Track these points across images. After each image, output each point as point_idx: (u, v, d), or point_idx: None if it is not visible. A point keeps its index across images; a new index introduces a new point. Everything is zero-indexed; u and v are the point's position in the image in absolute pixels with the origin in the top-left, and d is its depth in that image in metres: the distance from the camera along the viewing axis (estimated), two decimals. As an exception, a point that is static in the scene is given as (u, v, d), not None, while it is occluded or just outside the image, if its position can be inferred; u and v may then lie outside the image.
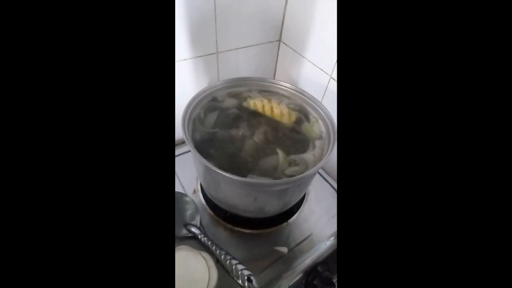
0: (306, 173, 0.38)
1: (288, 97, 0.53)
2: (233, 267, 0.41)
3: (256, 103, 0.51)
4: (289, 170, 0.42)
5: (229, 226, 0.49)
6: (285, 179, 0.38)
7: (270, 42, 0.65)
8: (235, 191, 0.43)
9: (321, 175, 0.61)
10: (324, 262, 0.48)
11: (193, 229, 0.47)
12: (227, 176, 0.36)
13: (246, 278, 0.40)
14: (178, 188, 0.55)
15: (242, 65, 0.65)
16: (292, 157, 0.44)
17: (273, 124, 0.49)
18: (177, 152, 0.62)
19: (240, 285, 0.40)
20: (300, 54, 0.61)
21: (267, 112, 0.50)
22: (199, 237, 0.46)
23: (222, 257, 0.42)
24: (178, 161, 0.60)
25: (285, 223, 0.51)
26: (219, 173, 0.36)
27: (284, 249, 0.47)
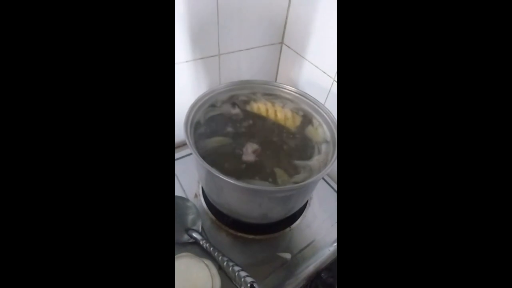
0: (312, 179, 0.37)
1: (291, 100, 0.52)
2: (236, 273, 0.40)
3: (260, 107, 0.50)
4: (294, 177, 0.41)
5: (231, 231, 0.48)
6: (290, 186, 0.38)
7: (272, 44, 0.64)
8: (238, 197, 0.42)
9: (324, 179, 0.60)
10: (327, 268, 0.47)
11: (195, 235, 0.46)
12: (231, 182, 0.35)
13: (249, 285, 0.39)
14: (179, 192, 0.54)
15: (244, 67, 0.64)
16: (297, 163, 0.43)
17: (277, 128, 0.49)
18: (178, 155, 0.61)
19: (243, 293, 0.40)
20: (303, 57, 0.61)
21: (271, 116, 0.50)
22: (201, 242, 0.45)
23: (225, 263, 0.42)
24: (179, 164, 0.59)
25: (288, 228, 0.50)
26: (222, 179, 0.35)
27: (287, 255, 0.46)
